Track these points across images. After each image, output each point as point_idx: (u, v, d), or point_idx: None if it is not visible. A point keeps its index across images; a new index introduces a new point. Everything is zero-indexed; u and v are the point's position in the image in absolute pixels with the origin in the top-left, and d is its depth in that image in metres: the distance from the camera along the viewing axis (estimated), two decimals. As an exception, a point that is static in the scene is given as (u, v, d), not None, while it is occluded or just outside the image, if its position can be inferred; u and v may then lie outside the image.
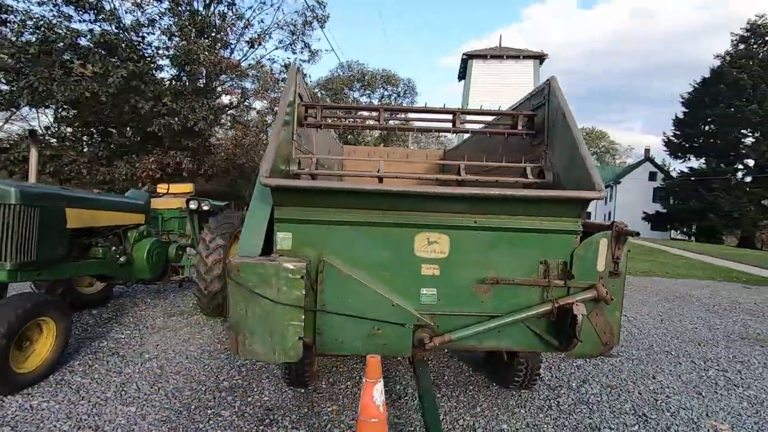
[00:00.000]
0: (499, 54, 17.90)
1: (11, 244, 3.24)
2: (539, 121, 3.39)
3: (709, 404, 3.47)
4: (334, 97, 30.65)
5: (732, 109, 30.56)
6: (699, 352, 4.83)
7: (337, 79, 31.19)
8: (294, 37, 15.75)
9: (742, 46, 32.89)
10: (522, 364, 3.35)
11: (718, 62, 33.33)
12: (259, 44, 15.05)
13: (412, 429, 2.93)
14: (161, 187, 6.18)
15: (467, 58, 17.95)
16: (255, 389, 3.42)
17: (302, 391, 3.41)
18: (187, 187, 6.34)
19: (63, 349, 3.57)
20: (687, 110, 35.14)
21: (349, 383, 3.57)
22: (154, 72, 13.96)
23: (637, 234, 2.74)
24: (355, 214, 2.67)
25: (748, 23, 32.43)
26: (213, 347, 4.31)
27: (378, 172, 3.19)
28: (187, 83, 14.45)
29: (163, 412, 3.00)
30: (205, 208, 5.28)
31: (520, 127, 3.45)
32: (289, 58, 16.06)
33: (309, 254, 2.66)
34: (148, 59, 13.70)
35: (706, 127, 33.61)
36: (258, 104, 17.56)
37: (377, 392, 1.79)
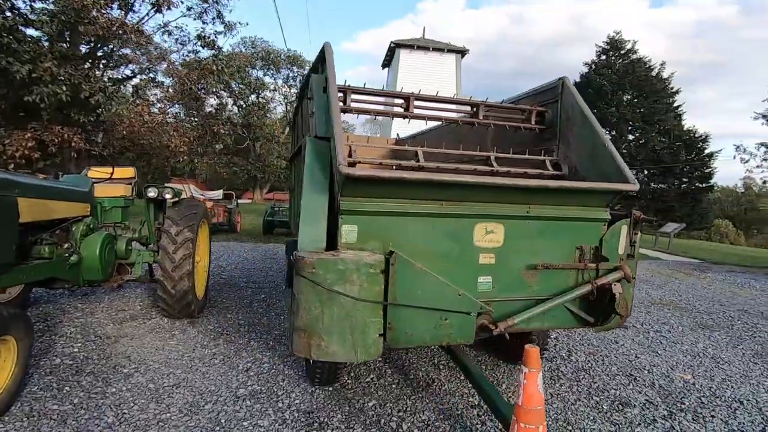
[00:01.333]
0: (425, 45, 18.45)
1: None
2: (550, 117, 3.65)
3: (667, 359, 4.19)
4: (236, 74, 28.53)
5: (596, 111, 35.90)
6: (631, 318, 5.74)
7: (240, 55, 29.03)
8: (206, 5, 14.15)
9: (603, 57, 38.60)
10: (533, 342, 3.65)
11: (586, 69, 38.69)
12: (168, 8, 13.16)
13: (473, 401, 3.02)
14: (100, 171, 5.21)
15: (395, 47, 18.07)
16: (279, 393, 3.17)
17: (329, 389, 3.27)
18: (129, 172, 5.44)
19: (24, 375, 2.89)
20: (562, 110, 40.22)
21: (372, 376, 3.51)
22: (22, 27, 11.44)
23: (653, 221, 3.17)
24: (421, 205, 2.62)
25: (608, 37, 38.11)
26: (198, 352, 3.85)
27: (419, 161, 3.15)
28: (76, 47, 12.15)
29: (195, 432, 2.63)
30: (167, 196, 4.60)
31: (533, 122, 3.68)
32: (200, 29, 14.45)
33: (374, 247, 2.55)
34: (17, 11, 11.20)
35: (577, 126, 38.90)
36: (168, 80, 15.56)
37: (540, 381, 1.82)
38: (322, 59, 3.09)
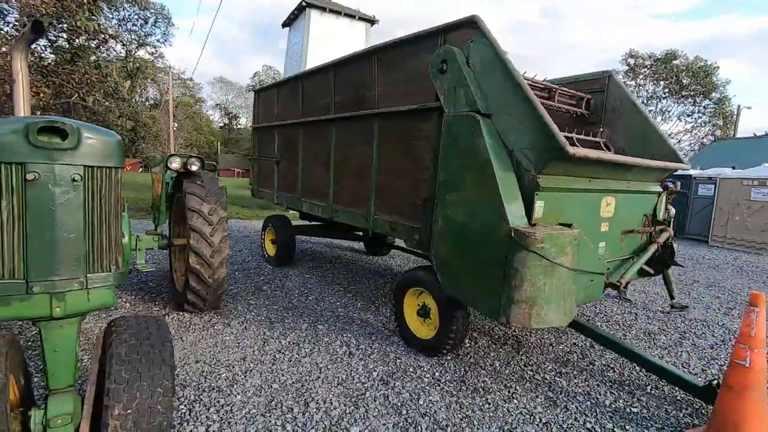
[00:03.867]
0: (337, 9, 17.32)
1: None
2: (594, 104, 4.26)
3: (668, 323, 5.45)
4: (64, 13, 22.73)
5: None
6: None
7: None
8: None
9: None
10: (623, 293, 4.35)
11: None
12: None
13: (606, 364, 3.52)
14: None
15: (305, 6, 16.40)
16: (409, 368, 3.17)
17: (449, 357, 3.40)
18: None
19: None
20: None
21: (484, 341, 3.74)
22: None
23: (684, 193, 4.09)
24: (580, 181, 2.93)
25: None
26: (273, 345, 3.47)
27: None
28: None
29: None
30: (194, 168, 3.76)
31: (583, 108, 4.23)
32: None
33: (550, 221, 2.78)
34: None
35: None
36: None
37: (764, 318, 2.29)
38: (448, 29, 3.07)
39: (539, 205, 2.69)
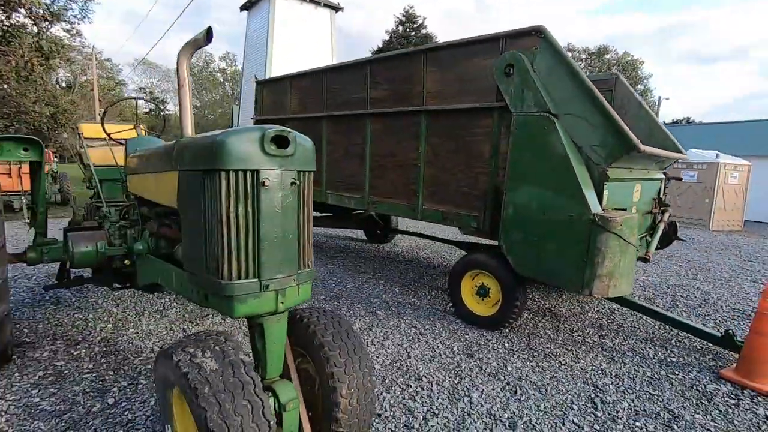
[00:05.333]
0: None
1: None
2: (603, 102, 4.83)
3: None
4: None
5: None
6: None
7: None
8: None
9: (401, 28, 42.89)
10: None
11: (387, 37, 42.28)
12: None
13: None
14: (87, 127, 3.68)
15: None
16: (484, 343, 3.55)
17: (507, 329, 3.83)
18: (128, 128, 4.00)
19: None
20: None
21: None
22: None
23: (680, 179, 4.81)
24: (625, 171, 3.45)
25: (404, 10, 42.36)
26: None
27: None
28: None
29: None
30: None
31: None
32: None
33: (609, 206, 3.27)
34: None
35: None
36: None
37: None
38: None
39: (606, 194, 3.16)
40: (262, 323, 1.83)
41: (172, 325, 3.66)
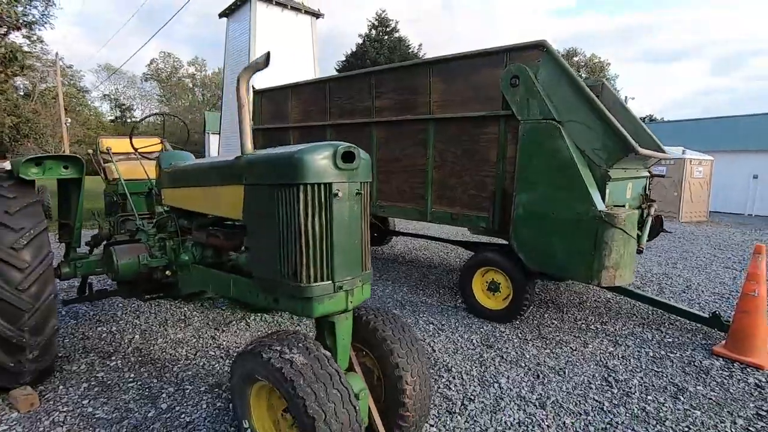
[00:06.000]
0: (282, 2, 16.47)
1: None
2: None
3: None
4: None
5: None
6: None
7: None
8: None
9: (374, 32, 43.25)
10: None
11: (360, 41, 42.56)
12: None
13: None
14: (109, 142, 3.74)
15: None
16: (499, 334, 3.82)
17: (517, 321, 4.10)
18: (155, 142, 4.05)
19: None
20: (341, 76, 43.45)
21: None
22: None
23: (663, 176, 5.22)
24: (623, 172, 3.79)
25: (376, 14, 42.75)
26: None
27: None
28: None
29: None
30: None
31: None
32: None
33: (609, 204, 3.59)
34: None
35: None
36: None
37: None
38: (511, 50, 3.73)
39: (608, 192, 3.47)
40: (334, 321, 2.01)
41: (200, 333, 3.76)
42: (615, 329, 3.97)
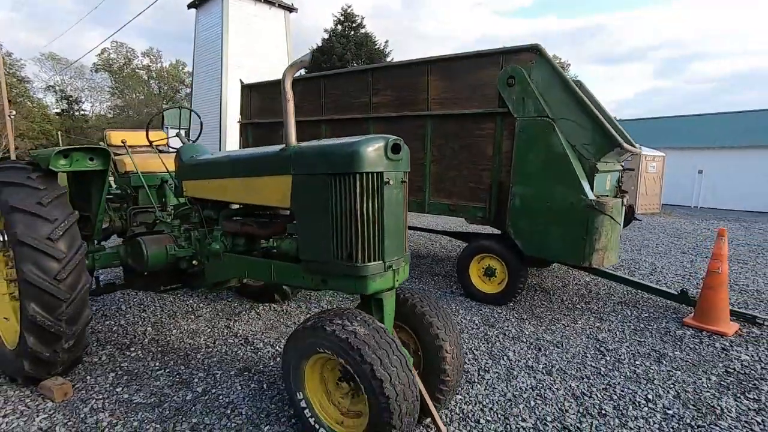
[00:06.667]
0: None
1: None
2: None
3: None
4: None
5: (339, 76, 40.29)
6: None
7: None
8: None
9: (339, 27, 43.03)
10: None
11: (326, 35, 42.22)
12: None
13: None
14: (124, 135, 3.73)
15: None
16: (497, 315, 4.14)
17: (511, 304, 4.44)
18: (162, 136, 4.04)
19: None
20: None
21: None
22: None
23: (632, 170, 5.72)
24: (604, 165, 4.19)
25: (342, 9, 42.55)
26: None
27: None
28: None
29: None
30: None
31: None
32: None
33: (595, 193, 3.98)
34: None
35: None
36: None
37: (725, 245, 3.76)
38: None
39: (596, 183, 3.85)
40: (381, 297, 2.21)
41: (212, 324, 3.84)
42: (598, 308, 4.39)
